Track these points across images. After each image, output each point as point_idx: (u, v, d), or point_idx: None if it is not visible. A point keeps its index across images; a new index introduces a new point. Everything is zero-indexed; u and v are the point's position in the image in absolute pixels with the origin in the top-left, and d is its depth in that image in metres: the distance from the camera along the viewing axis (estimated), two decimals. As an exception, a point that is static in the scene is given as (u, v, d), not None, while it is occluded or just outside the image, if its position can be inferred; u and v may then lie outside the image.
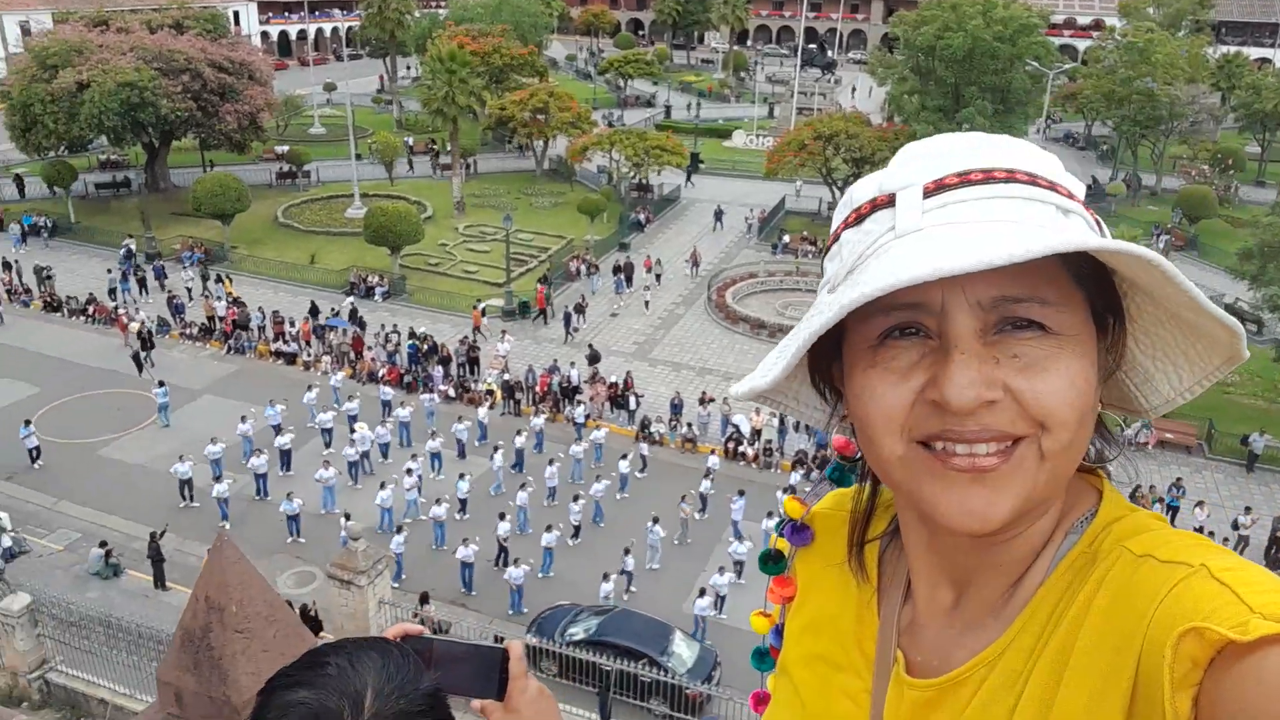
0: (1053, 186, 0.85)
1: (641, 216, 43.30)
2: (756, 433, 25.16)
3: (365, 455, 23.33)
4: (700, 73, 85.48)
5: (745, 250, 41.32)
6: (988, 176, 0.83)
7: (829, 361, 0.97)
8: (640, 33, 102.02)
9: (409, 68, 72.11)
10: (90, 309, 31.64)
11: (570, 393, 27.14)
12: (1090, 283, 0.85)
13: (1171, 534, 0.85)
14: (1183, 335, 0.89)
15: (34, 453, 23.28)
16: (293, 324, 30.57)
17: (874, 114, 49.53)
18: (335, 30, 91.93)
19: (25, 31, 54.78)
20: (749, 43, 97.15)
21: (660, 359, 31.08)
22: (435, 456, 23.52)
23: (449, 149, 45.47)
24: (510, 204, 42.39)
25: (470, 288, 35.00)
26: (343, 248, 38.00)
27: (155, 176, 44.37)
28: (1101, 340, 0.88)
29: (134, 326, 30.14)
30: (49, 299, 32.57)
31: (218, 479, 21.56)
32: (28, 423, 23.45)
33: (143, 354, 28.05)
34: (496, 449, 23.17)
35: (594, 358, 28.98)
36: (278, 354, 29.56)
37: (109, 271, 33.93)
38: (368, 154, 47.09)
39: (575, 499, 21.30)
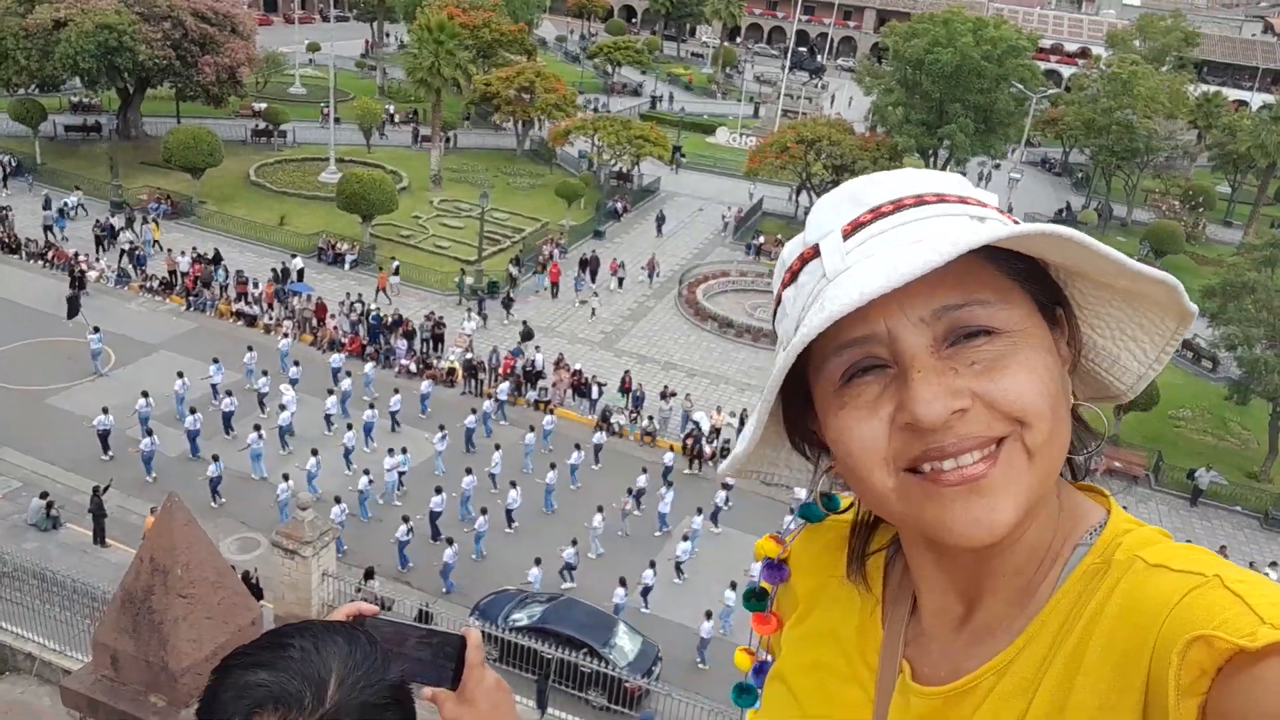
0: (963, 200, 0.87)
1: (619, 205, 43.15)
2: (716, 431, 25.22)
3: (287, 425, 22.92)
4: (689, 65, 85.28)
5: (719, 248, 41.35)
6: (897, 206, 0.85)
7: (806, 420, 0.97)
8: (632, 20, 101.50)
9: (395, 35, 71.08)
10: (50, 253, 30.95)
11: (533, 377, 27.03)
12: (1028, 279, 0.87)
13: (1183, 546, 0.85)
14: (1130, 307, 0.92)
15: None
16: (256, 285, 30.12)
17: (858, 123, 49.65)
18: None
19: (3, -38, 53.26)
20: (740, 40, 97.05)
21: (626, 350, 31.03)
22: (369, 428, 23.38)
23: (430, 120, 44.98)
24: (488, 181, 42.02)
25: (441, 262, 34.70)
26: (314, 212, 37.48)
27: (127, 123, 43.45)
28: (1057, 332, 0.90)
29: (92, 275, 29.63)
30: (6, 240, 31.81)
31: (148, 435, 21.26)
32: None
33: (76, 295, 27.51)
34: (441, 428, 23.01)
35: (527, 334, 29.09)
36: (239, 314, 29.12)
37: (45, 209, 33.39)
38: (348, 118, 46.46)
39: (513, 484, 21.25)
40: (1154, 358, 0.95)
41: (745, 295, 35.76)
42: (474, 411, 24.28)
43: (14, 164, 37.63)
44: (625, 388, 26.65)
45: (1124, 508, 0.98)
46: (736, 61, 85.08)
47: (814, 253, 0.88)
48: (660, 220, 41.91)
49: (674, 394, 26.58)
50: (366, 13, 69.73)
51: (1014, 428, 0.82)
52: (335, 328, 28.40)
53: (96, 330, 25.14)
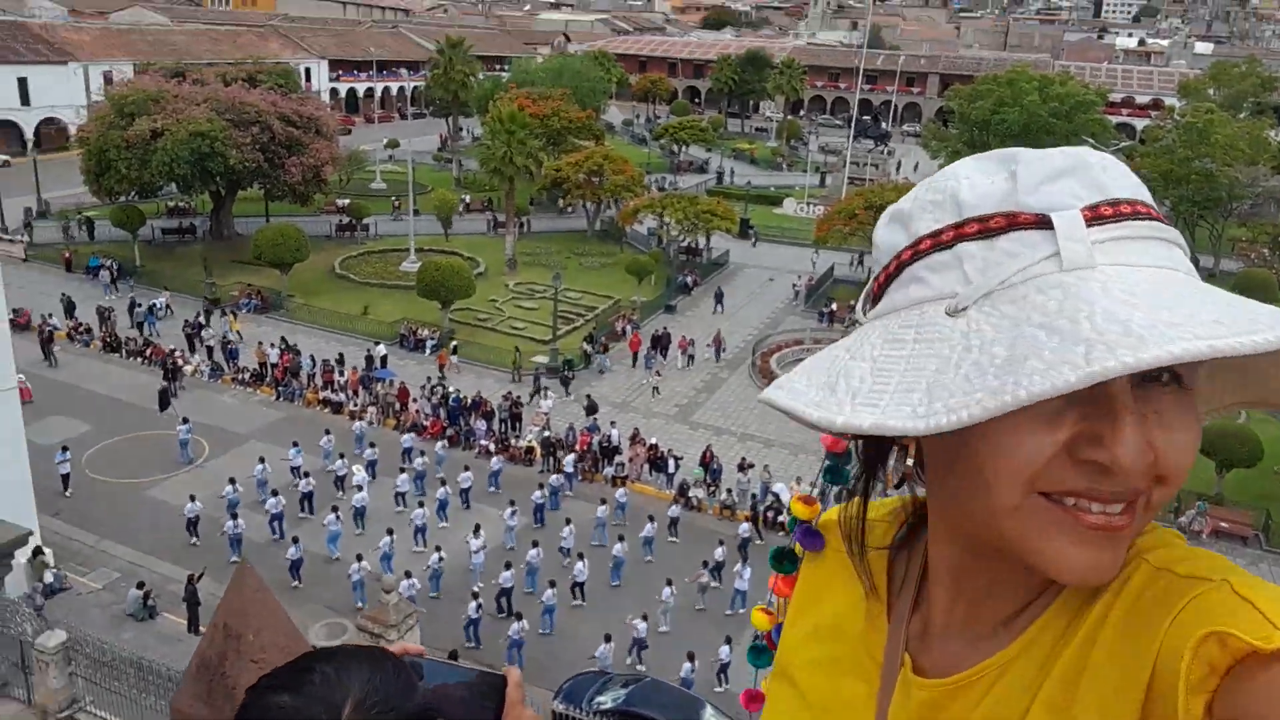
0: (1165, 220, 0.81)
1: (689, 279, 43.54)
2: (797, 502, 24.75)
3: (362, 507, 23.51)
4: (754, 140, 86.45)
5: (791, 317, 41.27)
6: (1134, 210, 0.78)
7: None
8: (696, 100, 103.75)
9: (468, 129, 73.88)
10: (148, 350, 32.45)
11: (610, 452, 27.10)
12: None
13: (1192, 550, 0.83)
14: (1209, 374, 0.87)
15: (65, 480, 23.75)
16: (342, 373, 31.06)
17: (927, 186, 49.43)
18: (401, 89, 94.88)
19: (108, 81, 57.34)
20: (803, 112, 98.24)
21: (702, 423, 30.94)
22: (441, 505, 23.80)
23: (504, 207, 46.34)
24: (560, 263, 42.92)
25: (518, 343, 35.34)
26: (396, 300, 38.68)
27: (219, 224, 45.78)
28: None
29: (188, 368, 30.97)
30: (108, 339, 33.51)
31: (233, 518, 22.07)
32: (64, 449, 24.00)
33: (169, 388, 28.79)
34: (512, 503, 23.36)
35: (591, 408, 29.27)
36: (325, 402, 30.00)
37: (138, 305, 35.38)
38: (427, 210, 48.18)
39: (580, 557, 21.30)
40: (1202, 413, 0.91)
41: (820, 363, 35.35)
42: (541, 486, 24.53)
43: (117, 268, 39.81)
44: (705, 462, 26.50)
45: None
46: (801, 133, 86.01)
47: (1034, 222, 0.78)
48: (719, 297, 41.48)
49: (752, 465, 26.32)
50: (442, 109, 72.81)
51: (1152, 485, 0.78)
52: (417, 411, 29.03)
53: (185, 421, 26.20)
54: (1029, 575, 0.88)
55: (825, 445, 1.12)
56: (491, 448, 27.35)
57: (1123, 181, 0.80)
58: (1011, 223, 0.78)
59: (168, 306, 36.59)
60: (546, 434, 27.81)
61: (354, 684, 1.01)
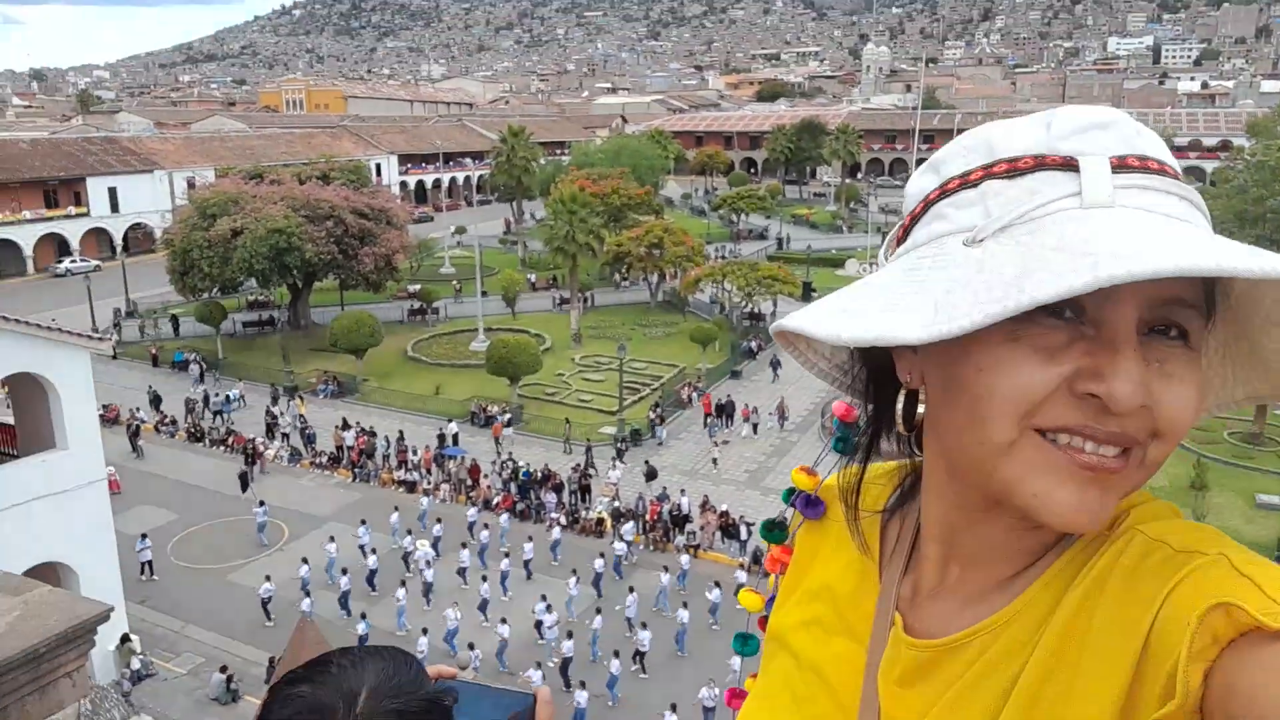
0: (1187, 182, 0.83)
1: (753, 344, 43.53)
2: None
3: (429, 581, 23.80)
4: (813, 206, 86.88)
5: (860, 377, 40.78)
6: (1161, 168, 0.80)
7: None
8: (753, 171, 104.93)
9: (531, 214, 75.79)
10: (230, 439, 33.50)
11: (680, 521, 26.90)
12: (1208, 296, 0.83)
13: (1189, 524, 0.83)
14: (1220, 359, 0.88)
15: (146, 567, 24.42)
16: (415, 452, 31.60)
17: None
18: (467, 178, 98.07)
19: (191, 185, 60.54)
20: (860, 175, 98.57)
21: (773, 488, 30.55)
22: (504, 577, 23.97)
23: (568, 284, 47.19)
24: (625, 335, 43.34)
25: (585, 415, 35.56)
26: (467, 379, 39.41)
27: (297, 315, 47.47)
28: None
29: (269, 453, 31.84)
30: (192, 429, 34.71)
31: (306, 596, 22.58)
32: (144, 536, 24.71)
33: (248, 472, 29.63)
34: (574, 572, 23.43)
35: (650, 474, 29.30)
36: (400, 482, 30.48)
37: (216, 395, 36.74)
38: (494, 290, 49.29)
39: (644, 626, 21.13)
40: (1213, 405, 0.92)
41: (891, 423, 34.78)
42: (601, 555, 24.53)
43: (204, 363, 41.35)
44: (780, 527, 26.05)
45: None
46: (860, 196, 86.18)
47: (1061, 163, 0.80)
48: (775, 364, 40.74)
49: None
50: (506, 194, 74.99)
51: (1149, 439, 0.79)
52: (489, 486, 29.30)
53: (262, 504, 26.95)
54: (1021, 538, 0.89)
55: (837, 414, 1.15)
56: (562, 520, 27.39)
57: (1154, 144, 0.82)
58: (1040, 163, 0.81)
59: (242, 396, 37.85)
60: (616, 504, 27.77)
61: (368, 674, 1.08)
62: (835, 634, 1.07)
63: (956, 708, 0.88)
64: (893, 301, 0.81)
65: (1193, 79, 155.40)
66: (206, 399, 36.72)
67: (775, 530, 1.23)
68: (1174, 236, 0.73)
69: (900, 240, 0.92)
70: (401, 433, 32.65)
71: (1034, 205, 0.78)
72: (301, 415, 34.94)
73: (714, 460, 32.07)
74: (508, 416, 34.26)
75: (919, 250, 0.86)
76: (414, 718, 1.06)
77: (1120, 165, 0.79)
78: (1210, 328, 0.85)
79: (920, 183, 0.92)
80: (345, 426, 32.89)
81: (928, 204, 0.89)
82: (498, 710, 1.18)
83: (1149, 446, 0.79)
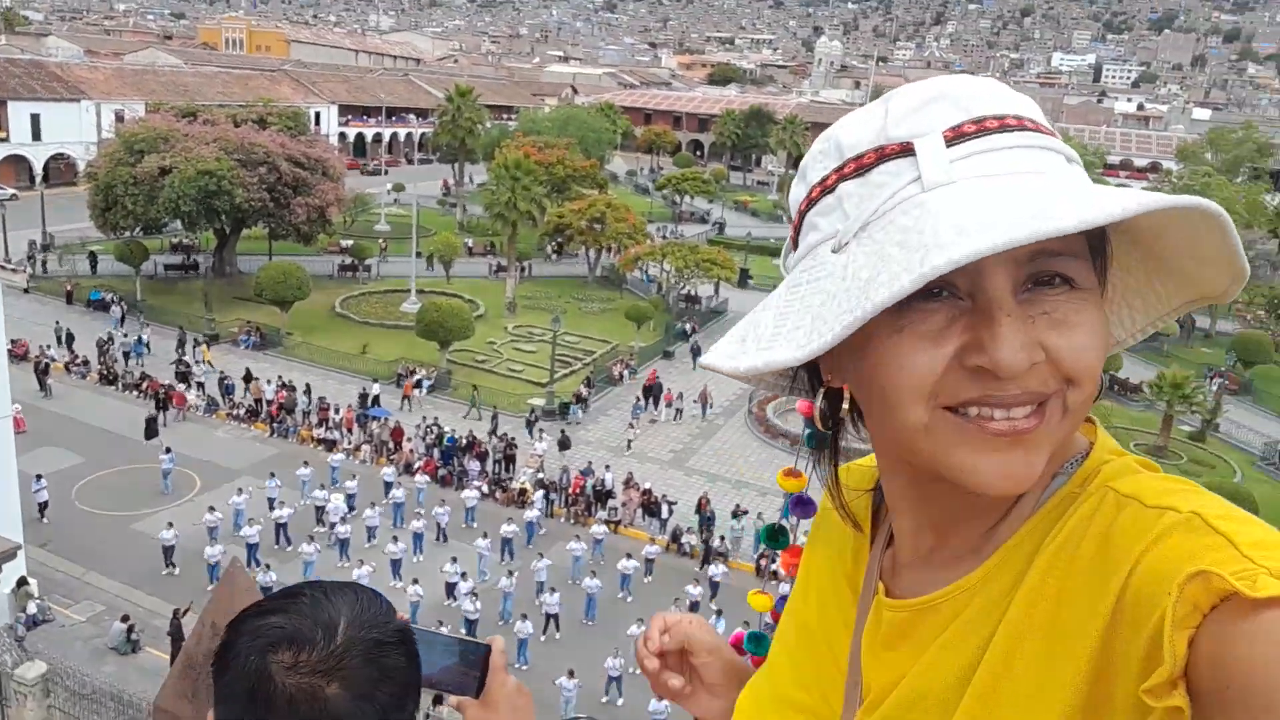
0: (1051, 133, 0.83)
1: (688, 326, 43.73)
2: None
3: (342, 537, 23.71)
4: (755, 194, 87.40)
5: (790, 367, 41.25)
6: (1001, 124, 0.80)
7: None
8: (699, 153, 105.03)
9: (471, 177, 74.76)
10: (144, 384, 32.44)
11: (603, 496, 26.97)
12: (1093, 232, 0.82)
13: (1160, 478, 0.83)
14: (1147, 277, 0.88)
15: (42, 507, 23.62)
16: (337, 410, 31.03)
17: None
18: (409, 135, 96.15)
19: (119, 118, 58.16)
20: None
21: (697, 469, 30.84)
22: (417, 538, 24.03)
23: (506, 251, 46.71)
24: (560, 307, 43.12)
25: (514, 385, 35.34)
26: (395, 340, 38.76)
27: (222, 261, 46.07)
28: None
29: (190, 398, 31.08)
30: (104, 372, 33.53)
31: (212, 544, 22.24)
32: (39, 477, 23.84)
33: (157, 418, 28.85)
34: (485, 535, 23.66)
35: (564, 444, 29.57)
36: (320, 440, 29.92)
37: (125, 336, 36.00)
38: (428, 251, 48.50)
39: (552, 590, 21.40)
40: (1140, 328, 0.94)
41: (817, 413, 35.33)
42: (510, 520, 24.73)
43: (125, 304, 39.85)
44: (700, 509, 26.34)
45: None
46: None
47: (900, 150, 0.81)
48: (695, 351, 39.52)
49: (745, 512, 26.19)
50: (448, 155, 73.67)
51: (1063, 387, 0.79)
52: (411, 450, 28.94)
53: (169, 451, 26.32)
54: (978, 499, 0.88)
55: (801, 411, 1.14)
56: (484, 489, 27.23)
57: (993, 100, 0.82)
58: (881, 155, 0.81)
59: (147, 343, 36.51)
60: (540, 476, 27.72)
61: (343, 606, 1.06)
62: (827, 604, 1.10)
63: (935, 667, 0.89)
64: (780, 323, 0.84)
65: (1129, 100, 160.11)
66: (110, 339, 35.55)
67: (779, 537, 1.23)
68: (1009, 202, 0.73)
69: (795, 247, 0.95)
70: (308, 385, 32.20)
71: (882, 200, 0.80)
72: (208, 363, 34.12)
73: (629, 443, 31.73)
74: (419, 377, 33.94)
75: (801, 264, 0.89)
76: (391, 648, 1.06)
77: (956, 135, 0.79)
78: (1111, 259, 0.87)
79: (794, 193, 0.94)
80: (250, 378, 32.39)
81: (801, 215, 0.91)
82: (449, 655, 1.19)
83: (1067, 394, 0.79)
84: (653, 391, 35.31)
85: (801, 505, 1.19)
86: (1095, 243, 0.83)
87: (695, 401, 35.39)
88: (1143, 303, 0.92)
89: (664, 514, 26.36)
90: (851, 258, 0.80)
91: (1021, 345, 0.76)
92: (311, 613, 1.04)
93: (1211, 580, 0.67)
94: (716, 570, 23.32)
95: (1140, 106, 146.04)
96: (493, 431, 30.27)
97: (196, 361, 34.39)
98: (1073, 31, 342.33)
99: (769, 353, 0.83)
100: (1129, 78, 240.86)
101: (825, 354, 0.88)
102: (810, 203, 0.89)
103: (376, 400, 31.88)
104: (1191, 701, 0.68)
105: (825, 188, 0.87)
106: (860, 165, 0.83)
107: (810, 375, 1.02)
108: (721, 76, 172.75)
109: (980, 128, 0.79)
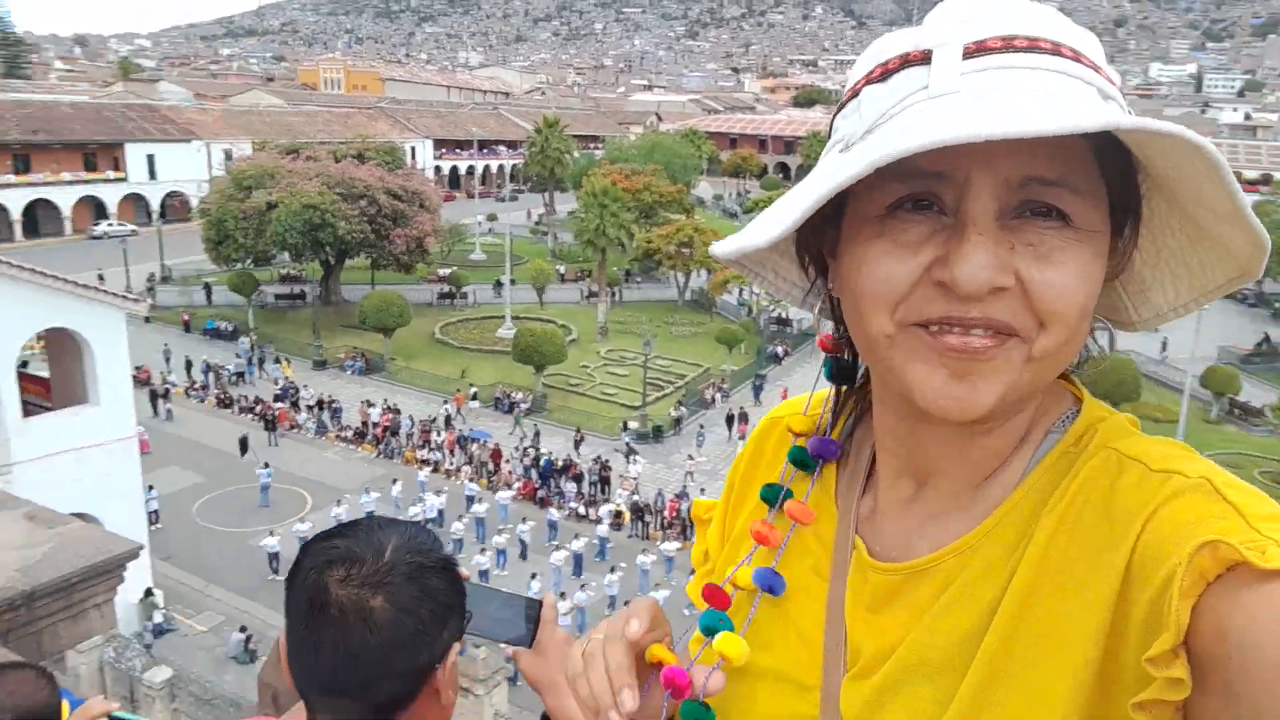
0: (1096, 68, 0.77)
1: (779, 349, 43.55)
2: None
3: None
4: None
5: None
6: (1032, 44, 0.74)
7: (819, 231, 0.89)
8: (786, 176, 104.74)
9: (552, 206, 75.95)
10: (258, 407, 33.86)
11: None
12: (1114, 176, 0.78)
13: (1159, 440, 0.81)
14: (1190, 243, 0.81)
15: (153, 516, 24.50)
16: (439, 433, 31.87)
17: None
18: (501, 167, 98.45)
19: (228, 157, 61.13)
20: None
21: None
22: (501, 553, 24.71)
23: (596, 277, 47.35)
24: (651, 331, 43.47)
25: (607, 408, 35.73)
26: (492, 364, 39.68)
27: (328, 290, 47.91)
28: (1113, 243, 0.81)
29: (300, 417, 32.29)
30: (221, 396, 35.14)
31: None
32: (150, 488, 24.60)
33: (261, 436, 30.43)
34: (559, 547, 24.45)
35: (629, 452, 30.09)
36: (423, 461, 30.76)
37: (237, 357, 37.91)
38: (523, 279, 49.49)
39: (625, 604, 21.13)
40: (1183, 302, 0.86)
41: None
42: (577, 537, 25.27)
43: (231, 329, 41.85)
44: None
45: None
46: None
47: (922, 57, 0.77)
48: (757, 390, 38.34)
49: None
50: (538, 185, 75.19)
51: (1032, 326, 0.76)
52: (510, 471, 29.52)
53: (266, 466, 27.77)
54: (964, 448, 0.87)
55: (821, 346, 1.10)
56: (581, 510, 27.57)
57: (1036, 23, 0.76)
58: (905, 61, 0.78)
59: (260, 363, 38.74)
60: (635, 498, 27.92)
61: (394, 534, 1.28)
62: (796, 563, 1.01)
63: (934, 631, 0.85)
64: (768, 214, 0.82)
65: (1235, 110, 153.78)
66: (209, 367, 37.46)
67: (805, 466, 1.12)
68: (988, 107, 0.69)
69: None
70: (394, 406, 33.16)
71: (892, 104, 0.76)
72: (287, 377, 35.73)
73: (688, 474, 29.82)
74: (474, 391, 35.71)
75: (817, 165, 0.86)
76: (433, 572, 1.26)
77: (979, 49, 0.74)
78: (1148, 210, 0.83)
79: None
80: (389, 408, 33.43)
81: (831, 124, 0.88)
82: (506, 609, 1.34)
83: (1035, 339, 0.76)
84: (738, 419, 34.86)
85: (826, 444, 1.05)
86: (1116, 183, 0.79)
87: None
88: (1187, 271, 0.84)
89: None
90: (850, 156, 0.76)
91: (983, 265, 0.73)
92: (365, 537, 1.25)
93: (1220, 549, 0.65)
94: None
95: (1247, 116, 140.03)
96: (577, 444, 31.06)
97: (275, 380, 36.15)
98: (1170, 41, 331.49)
99: (743, 237, 0.83)
100: (1233, 87, 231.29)
101: (830, 264, 0.90)
102: (840, 108, 0.86)
103: (449, 421, 32.85)
104: (1191, 670, 0.66)
105: (854, 93, 0.83)
106: (885, 70, 0.79)
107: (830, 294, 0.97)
108: (806, 99, 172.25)
109: (1006, 44, 0.74)
